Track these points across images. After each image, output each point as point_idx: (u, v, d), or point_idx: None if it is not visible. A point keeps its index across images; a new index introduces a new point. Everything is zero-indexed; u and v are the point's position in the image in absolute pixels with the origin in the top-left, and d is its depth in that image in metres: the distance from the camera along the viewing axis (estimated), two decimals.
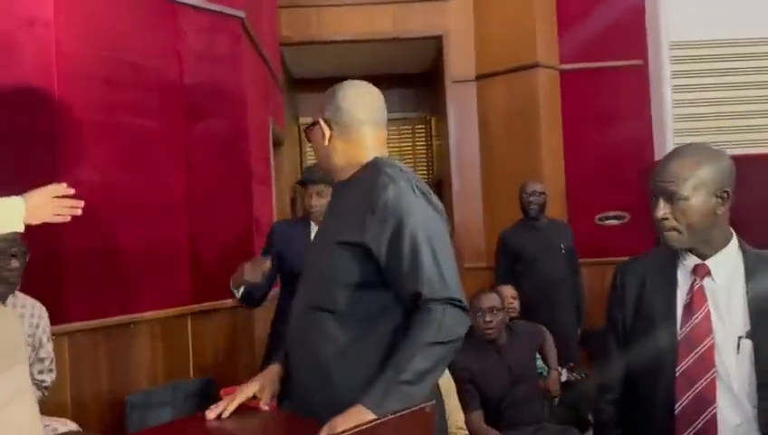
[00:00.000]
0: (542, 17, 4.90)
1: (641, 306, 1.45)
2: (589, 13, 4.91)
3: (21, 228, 1.46)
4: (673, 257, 1.44)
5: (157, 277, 2.87)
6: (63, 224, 2.56)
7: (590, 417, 2.92)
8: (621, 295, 1.49)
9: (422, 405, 1.02)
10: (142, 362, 2.80)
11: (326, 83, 5.82)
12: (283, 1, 5.07)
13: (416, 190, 1.35)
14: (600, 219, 4.93)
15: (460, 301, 1.30)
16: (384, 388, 1.22)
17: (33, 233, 2.22)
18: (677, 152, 1.40)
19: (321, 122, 1.48)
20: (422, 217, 1.33)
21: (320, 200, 2.53)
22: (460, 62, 5.11)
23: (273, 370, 1.51)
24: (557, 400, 3.06)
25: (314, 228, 2.50)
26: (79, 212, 1.56)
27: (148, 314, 2.81)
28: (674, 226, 1.36)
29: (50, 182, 2.57)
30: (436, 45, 5.31)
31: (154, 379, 2.82)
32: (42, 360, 2.34)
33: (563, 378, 3.07)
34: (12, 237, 2.17)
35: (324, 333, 1.36)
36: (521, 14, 4.90)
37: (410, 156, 6.35)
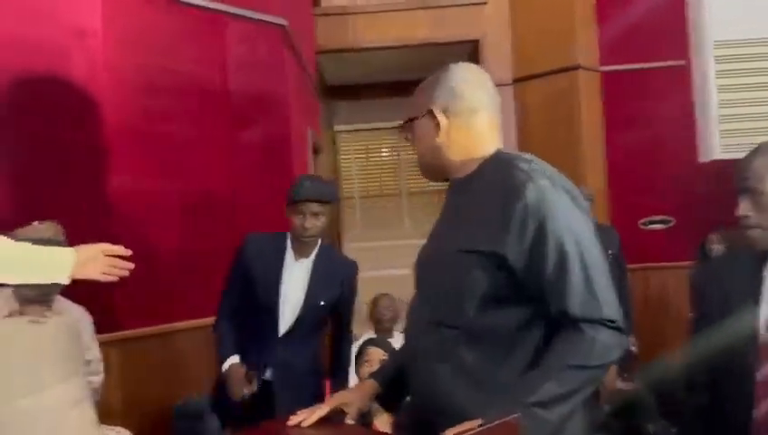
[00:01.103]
0: (582, 18, 4.83)
1: (722, 307, 1.38)
2: (629, 13, 4.81)
3: (65, 281, 1.39)
4: (755, 257, 1.38)
5: (202, 285, 2.88)
6: (114, 232, 2.61)
7: (650, 429, 2.82)
8: (703, 296, 1.43)
9: (509, 417, 0.97)
10: (190, 370, 2.81)
11: (360, 90, 5.85)
12: (318, 9, 5.09)
13: (559, 189, 1.15)
14: (644, 224, 4.82)
15: (614, 321, 1.12)
16: (512, 407, 1.07)
17: (86, 241, 2.25)
18: (760, 149, 1.35)
19: (437, 112, 1.26)
20: (568, 221, 1.13)
21: (315, 222, 2.20)
22: (497, 65, 5.05)
23: (368, 385, 1.40)
24: (608, 407, 2.96)
25: (290, 249, 2.28)
26: (126, 274, 1.48)
27: (196, 322, 2.82)
28: (756, 223, 1.31)
29: (95, 191, 2.63)
30: (472, 49, 5.27)
31: (201, 387, 2.81)
32: (88, 362, 2.35)
33: (618, 385, 2.98)
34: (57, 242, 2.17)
35: (449, 352, 1.19)
36: (559, 15, 4.82)
37: None
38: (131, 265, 1.47)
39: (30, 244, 1.36)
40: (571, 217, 1.14)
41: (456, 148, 1.27)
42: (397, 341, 3.01)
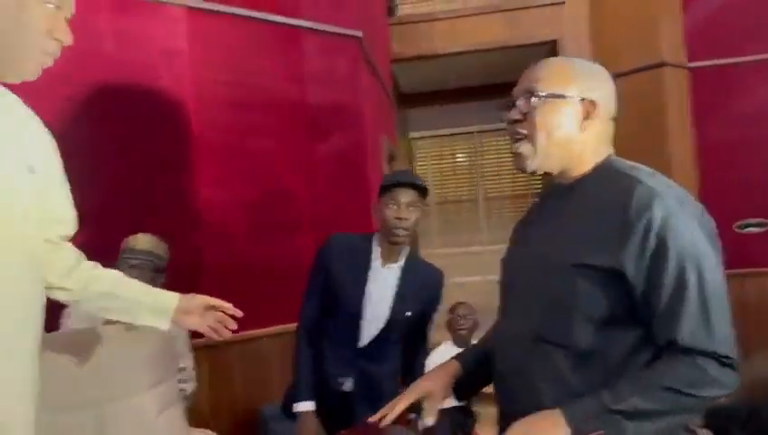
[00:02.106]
0: (666, 13, 4.61)
1: None
2: (718, 4, 4.55)
3: (165, 327, 1.34)
4: None
5: (284, 292, 2.95)
6: (201, 241, 2.74)
7: None
8: None
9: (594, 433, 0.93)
10: (273, 375, 2.89)
11: (435, 96, 5.82)
12: (393, 18, 5.14)
13: (686, 210, 1.08)
14: (739, 227, 4.53)
15: (728, 357, 1.04)
16: (594, 408, 1.03)
17: (173, 252, 2.37)
18: None
19: (590, 103, 1.18)
20: (693, 246, 1.05)
21: (410, 214, 1.99)
22: None
23: (451, 367, 1.32)
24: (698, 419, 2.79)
25: (377, 252, 2.08)
26: (229, 334, 1.40)
27: (278, 328, 2.89)
28: None
29: (180, 203, 2.77)
30: (550, 51, 5.16)
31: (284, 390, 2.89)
32: (182, 369, 2.46)
33: None
34: (151, 253, 2.27)
35: (553, 371, 1.12)
36: (641, 11, 4.63)
37: None
38: (234, 325, 1.40)
39: (140, 284, 1.35)
40: (696, 242, 1.06)
41: (584, 147, 1.20)
42: None
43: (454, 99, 6.15)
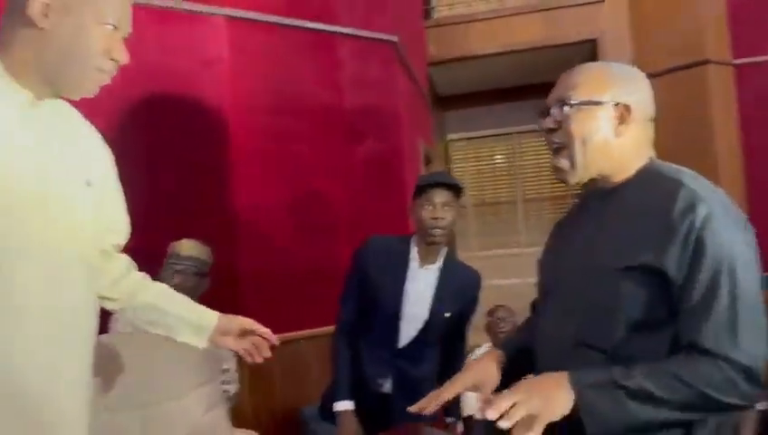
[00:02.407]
0: (709, 9, 4.50)
1: None
2: None
3: (202, 346, 1.35)
4: None
5: (322, 294, 2.99)
6: (242, 245, 2.80)
7: None
8: None
9: None
10: (312, 377, 2.92)
11: (471, 98, 5.79)
12: (430, 21, 5.14)
13: (729, 216, 1.07)
14: None
15: (750, 369, 1.00)
16: (601, 379, 1.03)
17: (215, 257, 2.42)
18: None
19: (626, 108, 1.17)
20: (730, 250, 1.04)
21: (445, 214, 1.99)
22: None
23: (498, 356, 1.30)
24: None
25: (415, 254, 2.09)
26: (260, 360, 1.38)
27: (319, 330, 2.93)
28: None
29: (226, 208, 2.84)
30: (589, 49, 5.08)
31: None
32: (225, 371, 2.51)
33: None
34: (195, 258, 2.32)
35: None
36: (684, 7, 4.53)
37: None
38: (269, 354, 1.38)
39: (184, 299, 1.37)
40: (734, 248, 1.04)
41: (623, 151, 1.18)
42: None
43: (491, 100, 6.11)
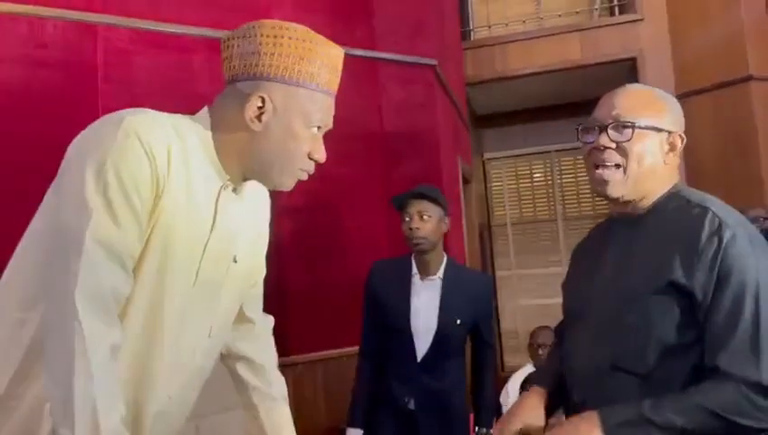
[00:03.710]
0: (751, 24, 4.45)
1: None
2: None
3: None
4: None
5: (361, 314, 3.06)
6: (287, 264, 2.89)
7: None
8: None
9: None
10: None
11: (509, 117, 5.80)
12: (467, 43, 5.21)
13: (756, 243, 1.11)
14: None
15: None
16: (631, 416, 1.06)
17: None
18: None
19: (677, 137, 1.21)
20: (756, 276, 1.07)
21: (422, 223, 2.11)
22: (657, 82, 4.77)
23: (541, 397, 1.32)
24: None
25: (415, 268, 2.21)
26: None
27: (358, 348, 2.99)
28: None
29: (270, 229, 2.92)
30: (629, 67, 5.07)
31: None
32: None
33: None
34: None
35: (628, 400, 1.12)
36: (725, 24, 4.50)
37: None
38: None
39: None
40: (760, 274, 1.07)
41: (662, 177, 1.22)
42: None
43: (529, 118, 6.13)
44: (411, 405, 2.14)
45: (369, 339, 2.27)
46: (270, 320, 1.42)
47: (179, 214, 1.00)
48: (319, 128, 1.09)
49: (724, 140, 4.45)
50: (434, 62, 3.48)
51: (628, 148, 1.19)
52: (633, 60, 4.98)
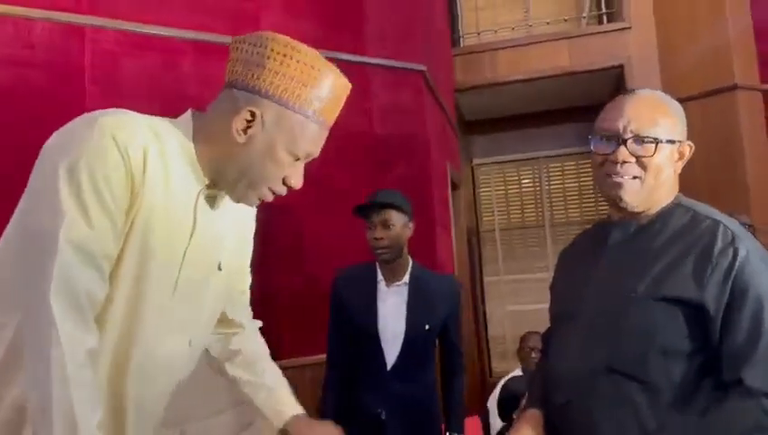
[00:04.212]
0: (737, 34, 4.51)
1: None
2: None
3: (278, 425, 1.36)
4: None
5: None
6: (276, 269, 2.88)
7: None
8: None
9: None
10: None
11: (498, 123, 5.82)
12: (457, 49, 5.23)
13: (763, 257, 1.12)
14: None
15: None
16: None
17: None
18: None
19: (686, 147, 1.22)
20: None
21: (385, 232, 2.09)
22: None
23: (537, 424, 1.28)
24: None
25: (381, 276, 2.19)
26: None
27: None
28: None
29: (258, 231, 2.92)
30: (617, 75, 5.11)
31: None
32: (249, 425, 2.57)
33: None
34: None
35: (624, 403, 1.14)
36: (711, 33, 4.55)
37: (591, 193, 6.09)
38: None
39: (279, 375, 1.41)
40: None
41: (669, 188, 1.23)
42: None
43: (518, 125, 6.16)
44: (383, 416, 2.11)
45: (336, 351, 2.24)
46: (257, 323, 1.41)
47: (157, 216, 0.98)
48: (301, 160, 1.07)
49: (709, 150, 4.49)
50: (423, 67, 3.49)
51: (647, 162, 1.18)
52: (621, 67, 5.03)
